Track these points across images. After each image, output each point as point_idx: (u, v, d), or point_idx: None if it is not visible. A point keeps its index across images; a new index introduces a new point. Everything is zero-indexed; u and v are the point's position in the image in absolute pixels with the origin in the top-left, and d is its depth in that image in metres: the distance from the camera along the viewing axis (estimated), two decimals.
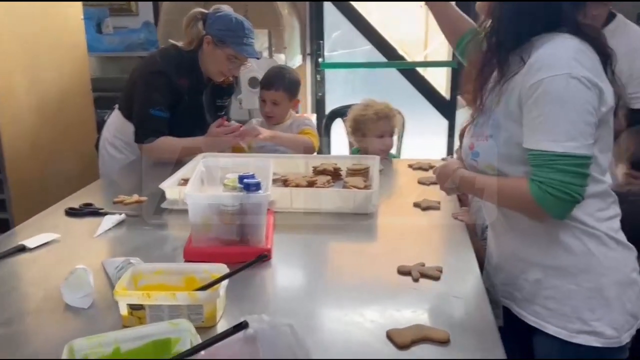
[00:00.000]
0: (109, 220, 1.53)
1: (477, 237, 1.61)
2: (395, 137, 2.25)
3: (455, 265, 1.28)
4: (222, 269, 1.12)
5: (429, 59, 4.10)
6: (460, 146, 1.45)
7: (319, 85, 3.94)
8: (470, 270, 1.26)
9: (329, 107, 3.76)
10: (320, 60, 3.88)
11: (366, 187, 1.70)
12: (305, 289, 1.24)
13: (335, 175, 1.87)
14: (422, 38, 4.08)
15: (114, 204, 1.69)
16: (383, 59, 3.92)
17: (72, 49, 2.75)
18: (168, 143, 2.09)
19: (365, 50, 3.93)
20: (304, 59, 3.78)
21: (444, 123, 3.95)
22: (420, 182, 1.90)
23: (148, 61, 2.19)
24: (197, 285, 1.09)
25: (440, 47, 3.95)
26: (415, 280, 1.21)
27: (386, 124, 2.16)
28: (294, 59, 3.48)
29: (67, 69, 2.69)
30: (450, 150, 3.80)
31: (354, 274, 1.27)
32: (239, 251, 1.30)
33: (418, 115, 3.67)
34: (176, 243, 1.38)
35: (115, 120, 2.29)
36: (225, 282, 1.07)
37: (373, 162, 1.88)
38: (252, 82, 2.52)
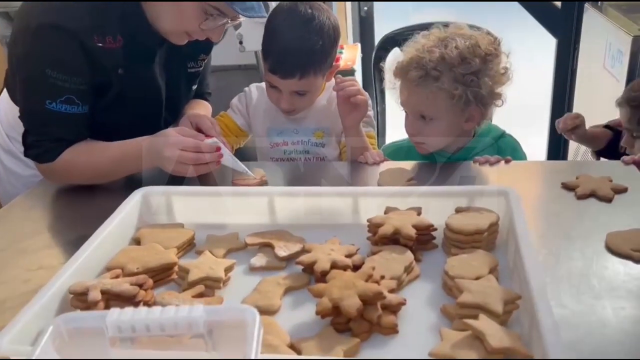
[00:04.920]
0: None
1: None
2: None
3: None
4: None
5: None
6: None
7: None
8: None
9: (379, 32, 2.67)
10: None
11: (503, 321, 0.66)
12: None
13: (424, 242, 0.85)
14: None
15: None
16: None
17: None
18: (79, 159, 1.14)
19: None
20: None
21: (549, 41, 2.68)
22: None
23: (36, 5, 1.13)
24: None
25: None
26: None
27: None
28: None
29: None
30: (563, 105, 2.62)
31: None
32: None
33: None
34: None
35: (6, 109, 1.30)
36: None
37: (512, 208, 0.84)
38: None
